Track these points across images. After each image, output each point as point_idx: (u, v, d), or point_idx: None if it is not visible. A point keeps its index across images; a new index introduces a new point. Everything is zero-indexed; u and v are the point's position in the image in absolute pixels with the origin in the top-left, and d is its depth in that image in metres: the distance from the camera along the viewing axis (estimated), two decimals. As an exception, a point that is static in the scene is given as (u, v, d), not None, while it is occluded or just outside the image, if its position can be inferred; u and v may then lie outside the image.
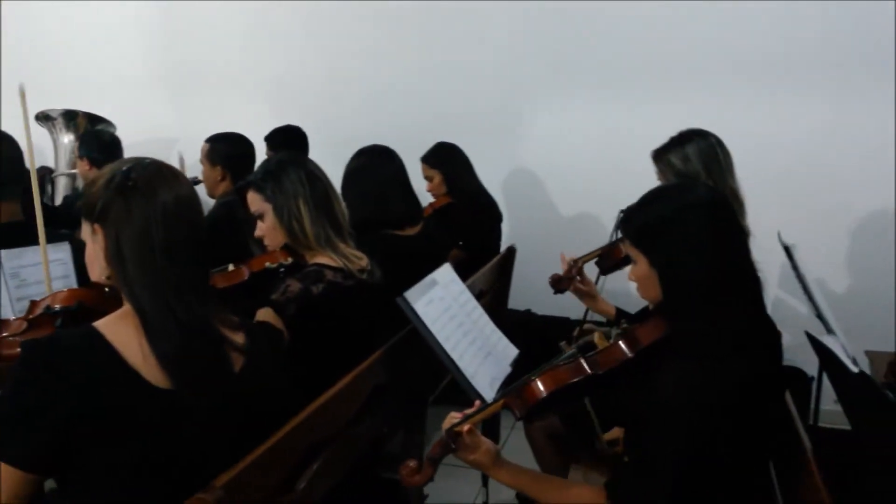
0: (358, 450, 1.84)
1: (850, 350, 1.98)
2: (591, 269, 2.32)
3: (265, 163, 2.01)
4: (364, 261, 1.95)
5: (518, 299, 3.66)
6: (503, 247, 3.22)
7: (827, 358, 1.31)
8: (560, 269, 2.29)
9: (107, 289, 1.27)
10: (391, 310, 1.81)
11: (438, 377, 2.36)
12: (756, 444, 1.33)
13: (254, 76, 4.03)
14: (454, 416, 1.44)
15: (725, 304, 1.33)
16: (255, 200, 1.91)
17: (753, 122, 3.18)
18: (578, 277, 2.21)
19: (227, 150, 2.90)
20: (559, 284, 2.25)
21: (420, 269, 1.96)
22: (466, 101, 3.69)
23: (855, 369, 1.14)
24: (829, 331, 1.83)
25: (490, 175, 3.45)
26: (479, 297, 2.66)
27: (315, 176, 1.90)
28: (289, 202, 1.84)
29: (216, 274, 1.92)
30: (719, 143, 2.29)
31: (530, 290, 3.70)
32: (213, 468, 1.17)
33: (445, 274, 2.08)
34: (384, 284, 1.98)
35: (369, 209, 2.42)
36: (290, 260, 1.89)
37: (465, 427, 1.38)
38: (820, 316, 1.89)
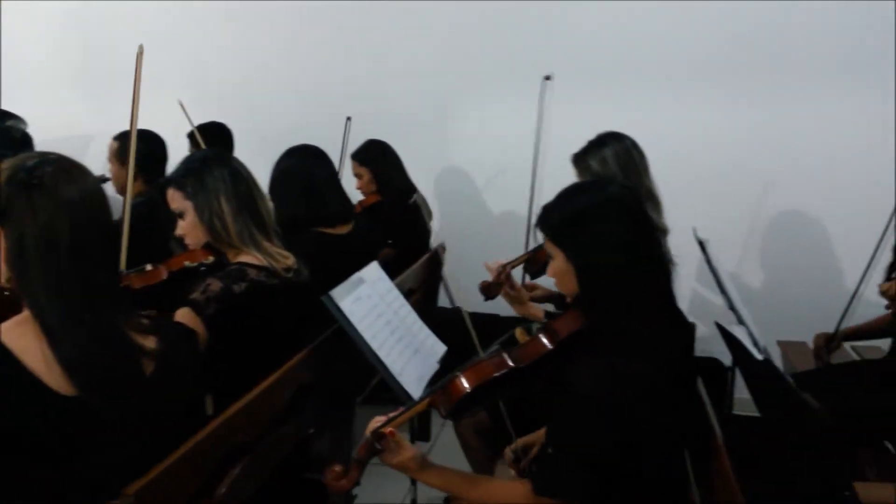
0: (283, 452, 1.81)
1: (762, 340, 2.07)
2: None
3: (186, 159, 1.95)
4: (290, 259, 1.92)
5: (446, 297, 3.68)
6: (433, 245, 3.23)
7: (735, 347, 1.37)
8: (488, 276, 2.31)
9: (7, 292, 1.20)
10: (320, 309, 1.79)
11: (367, 377, 2.34)
12: (672, 431, 1.37)
13: (175, 72, 3.90)
14: (379, 420, 1.43)
15: (639, 298, 1.37)
16: (175, 198, 1.85)
17: (674, 125, 3.28)
18: (508, 283, 2.23)
19: (137, 147, 2.79)
20: (489, 291, 2.27)
21: (352, 268, 1.94)
22: (397, 99, 3.67)
23: (759, 357, 1.19)
24: (741, 322, 1.91)
25: (421, 173, 3.45)
26: (408, 295, 2.66)
27: (238, 173, 1.85)
28: (210, 200, 1.79)
29: (132, 274, 1.86)
30: (634, 145, 2.36)
31: (462, 289, 3.75)
32: (125, 475, 1.13)
33: (373, 272, 2.06)
34: (312, 283, 1.95)
35: (301, 208, 2.40)
36: (211, 259, 1.84)
37: (390, 429, 1.37)
38: (732, 308, 1.97)
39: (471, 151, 3.70)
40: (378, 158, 3.17)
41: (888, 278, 2.15)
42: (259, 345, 1.77)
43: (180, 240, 1.89)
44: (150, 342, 1.23)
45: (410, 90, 3.67)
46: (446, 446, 2.73)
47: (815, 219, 3.29)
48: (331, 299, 1.78)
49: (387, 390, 1.83)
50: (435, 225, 3.46)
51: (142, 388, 1.20)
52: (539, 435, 1.87)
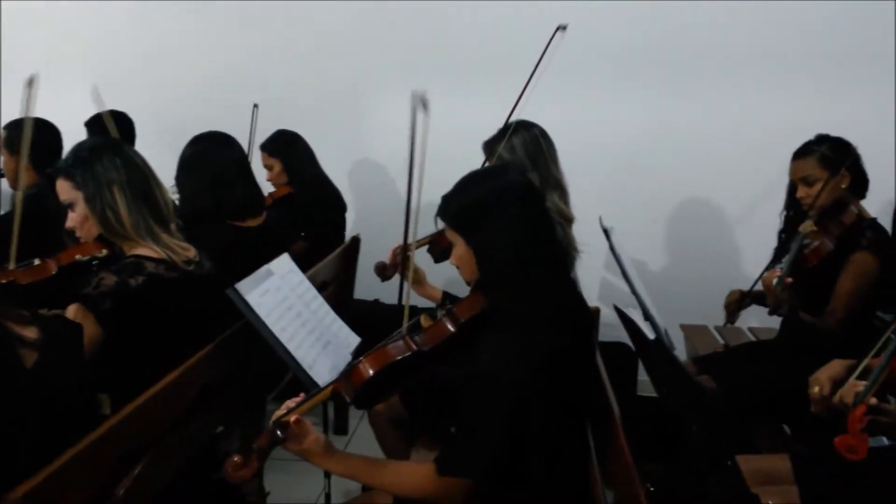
0: (189, 452, 1.75)
1: (664, 324, 2.16)
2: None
3: (76, 148, 1.84)
4: (191, 252, 1.86)
5: (366, 289, 3.65)
6: (348, 237, 3.19)
7: (630, 328, 1.42)
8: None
9: None
10: (226, 303, 1.74)
11: (279, 373, 2.30)
12: (571, 410, 1.41)
13: (75, 60, 3.70)
14: (287, 406, 1.41)
15: (536, 281, 1.40)
16: (64, 188, 1.76)
17: (584, 117, 3.35)
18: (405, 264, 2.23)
19: (27, 136, 2.63)
20: (384, 272, 2.26)
21: (262, 261, 1.90)
22: (307, 86, 3.60)
23: (651, 336, 1.24)
24: (643, 306, 1.99)
25: (335, 165, 3.40)
26: (322, 287, 2.62)
27: (132, 161, 1.77)
28: (102, 190, 1.71)
29: (19, 269, 1.75)
30: (543, 134, 2.41)
31: (378, 280, 3.72)
32: (13, 474, 1.07)
33: (283, 264, 2.02)
34: (220, 277, 1.89)
35: (207, 199, 2.31)
36: (104, 252, 1.75)
37: (293, 417, 1.35)
38: (634, 292, 2.04)
39: (386, 143, 3.67)
40: (289, 149, 3.11)
41: (773, 262, 2.27)
42: (158, 341, 1.70)
43: (72, 233, 1.80)
44: (30, 332, 1.18)
45: (322, 78, 3.60)
46: (364, 439, 2.71)
47: (719, 208, 3.44)
48: (236, 292, 1.74)
49: (301, 386, 1.80)
50: (350, 217, 3.41)
51: (23, 380, 1.14)
52: None
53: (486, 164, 2.38)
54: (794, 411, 2.18)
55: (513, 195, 1.43)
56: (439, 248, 2.30)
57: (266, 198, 3.06)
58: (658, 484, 2.43)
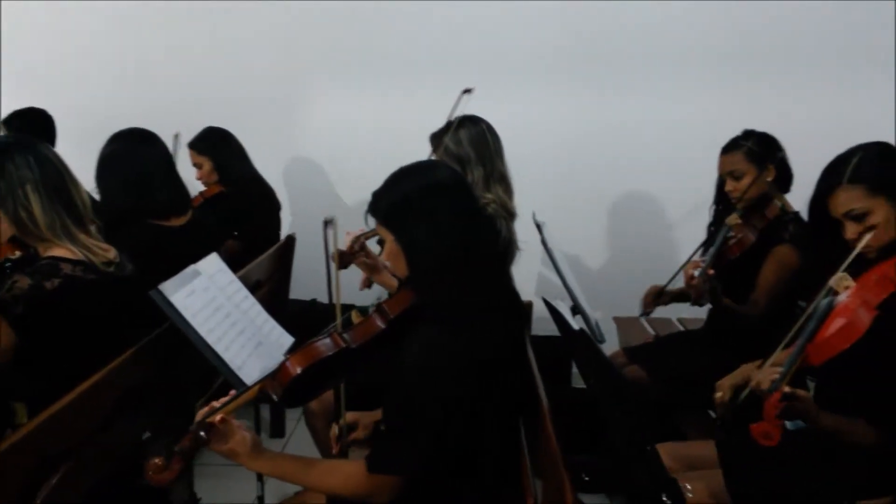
0: (113, 458, 1.70)
1: (594, 315, 2.20)
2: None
3: (-16, 146, 1.75)
4: (111, 253, 1.79)
5: (303, 289, 3.60)
6: (283, 236, 3.14)
7: (558, 319, 1.44)
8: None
9: None
10: (151, 306, 1.69)
11: (210, 377, 2.24)
12: (502, 403, 1.42)
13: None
14: (213, 405, 1.38)
15: (466, 277, 1.40)
16: (-27, 190, 1.66)
17: (527, 115, 3.37)
18: (362, 252, 2.19)
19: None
20: (343, 259, 2.23)
21: (188, 261, 1.85)
22: (240, 86, 3.52)
23: (576, 327, 1.26)
24: (573, 299, 2.03)
25: (268, 163, 3.34)
26: (255, 287, 2.58)
27: (47, 159, 1.69)
28: (14, 189, 1.63)
29: (-77, 274, 1.65)
30: (489, 129, 2.42)
31: (315, 280, 3.67)
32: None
33: (211, 264, 1.97)
34: (144, 278, 1.83)
35: (129, 198, 2.23)
36: (17, 253, 1.68)
37: (217, 417, 1.31)
38: (566, 285, 2.08)
39: (322, 141, 3.63)
40: (218, 147, 3.03)
41: (702, 254, 2.34)
42: (76, 346, 1.64)
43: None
44: None
45: (255, 75, 3.53)
46: (301, 441, 2.67)
47: (656, 204, 3.53)
48: (160, 294, 1.69)
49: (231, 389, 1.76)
50: (285, 216, 3.36)
51: None
52: (366, 414, 1.87)
53: (431, 157, 2.37)
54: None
55: (442, 191, 1.43)
56: None
57: (196, 197, 2.99)
58: (592, 473, 2.49)
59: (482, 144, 2.37)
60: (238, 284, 2.03)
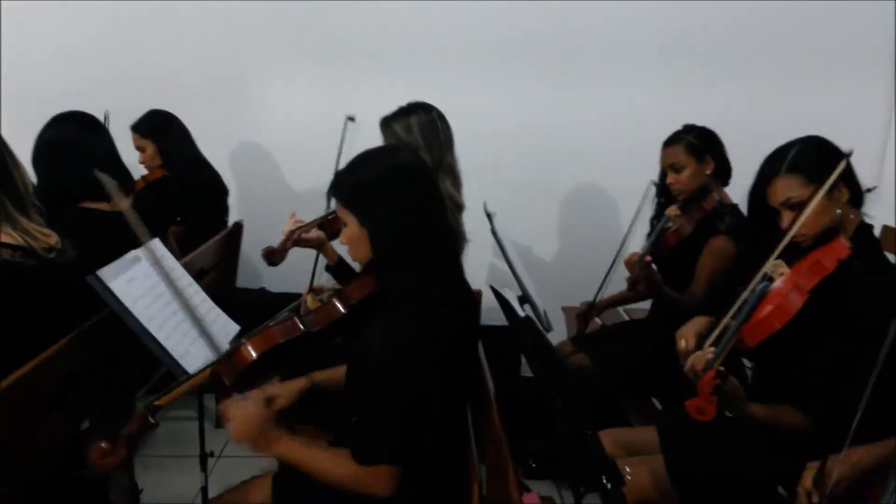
0: (50, 448, 1.65)
1: (542, 304, 2.22)
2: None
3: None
4: (53, 238, 1.74)
5: (252, 277, 3.55)
6: (230, 223, 3.08)
7: (505, 307, 1.46)
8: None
9: None
10: (91, 293, 1.64)
11: (152, 365, 2.19)
12: (455, 390, 1.43)
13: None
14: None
15: (427, 263, 1.41)
16: None
17: (478, 105, 3.35)
18: (295, 245, 2.17)
19: None
20: (272, 257, 2.20)
21: (128, 247, 1.79)
22: (188, 69, 3.43)
23: (522, 314, 1.27)
24: (522, 288, 2.04)
25: (215, 148, 3.27)
26: (200, 274, 2.53)
27: None
28: None
29: None
30: (441, 118, 2.41)
31: (264, 268, 3.61)
32: None
33: (153, 250, 1.92)
34: (82, 264, 1.77)
35: (68, 181, 2.15)
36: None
37: (163, 400, 1.29)
38: (515, 275, 2.10)
39: (271, 126, 3.56)
40: (162, 130, 2.95)
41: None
42: (15, 334, 1.57)
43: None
44: None
45: (202, 58, 3.44)
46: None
47: (605, 196, 3.58)
48: (98, 280, 1.65)
49: (175, 378, 1.72)
50: (233, 201, 3.29)
51: None
52: (286, 384, 1.74)
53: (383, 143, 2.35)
54: (663, 386, 2.32)
55: (407, 175, 1.42)
56: (330, 231, 2.26)
57: (138, 181, 2.91)
58: (539, 460, 2.53)
59: (433, 133, 2.36)
60: (181, 271, 1.98)
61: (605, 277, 2.51)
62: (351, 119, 3.01)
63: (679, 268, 2.29)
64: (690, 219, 2.31)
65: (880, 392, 1.13)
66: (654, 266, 2.19)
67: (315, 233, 2.21)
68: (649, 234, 2.49)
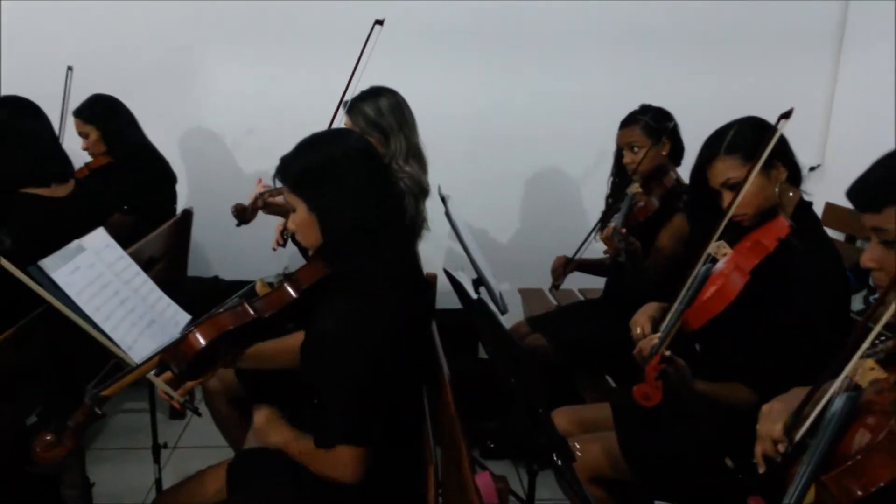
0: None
1: (497, 286, 2.24)
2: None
3: None
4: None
5: (205, 266, 3.49)
6: (180, 210, 3.01)
7: (458, 289, 1.46)
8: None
9: None
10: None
11: (100, 357, 2.14)
12: (410, 371, 1.43)
13: None
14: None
15: (379, 246, 1.40)
16: None
17: (439, 91, 3.35)
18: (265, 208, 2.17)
19: None
20: (242, 215, 2.15)
21: (72, 235, 1.74)
22: (132, 52, 3.33)
23: (475, 296, 1.28)
24: (478, 271, 2.05)
25: (163, 133, 3.19)
26: (149, 264, 2.47)
27: None
28: None
29: None
30: (405, 103, 2.38)
31: (217, 256, 3.56)
32: None
33: (97, 239, 1.87)
34: (21, 253, 1.71)
35: (7, 167, 2.08)
36: None
37: (109, 390, 1.26)
38: (470, 257, 2.10)
39: (222, 111, 3.48)
40: (106, 115, 2.86)
41: (603, 225, 2.42)
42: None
43: None
44: None
45: (148, 40, 3.34)
46: (202, 422, 2.60)
47: (560, 179, 3.61)
48: (40, 270, 1.59)
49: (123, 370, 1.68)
50: (182, 188, 3.22)
51: None
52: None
53: (345, 125, 2.31)
54: (616, 364, 2.36)
55: (356, 159, 1.40)
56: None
57: (81, 168, 2.82)
58: (496, 440, 2.56)
59: (402, 116, 2.34)
60: (128, 260, 1.93)
61: (582, 245, 2.53)
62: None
63: (647, 242, 2.32)
64: (655, 195, 2.35)
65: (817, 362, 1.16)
66: (631, 238, 2.21)
67: (282, 198, 2.18)
68: (605, 212, 2.52)
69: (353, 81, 2.47)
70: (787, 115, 1.47)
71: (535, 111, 3.49)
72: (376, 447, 1.39)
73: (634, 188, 2.37)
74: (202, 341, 1.32)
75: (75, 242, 1.75)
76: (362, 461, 1.35)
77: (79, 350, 1.91)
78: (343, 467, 1.35)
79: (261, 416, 1.50)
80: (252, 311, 1.37)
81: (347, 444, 1.34)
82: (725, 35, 3.43)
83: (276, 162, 1.46)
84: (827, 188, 3.01)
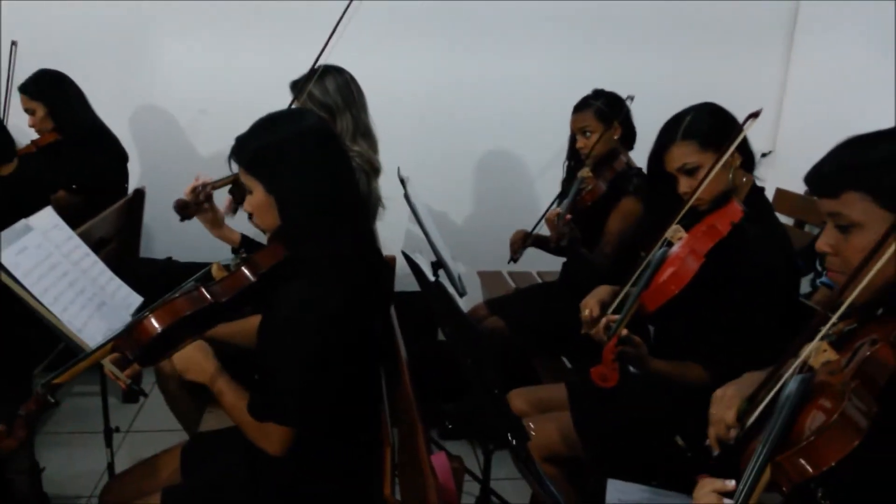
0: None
1: (456, 269, 2.24)
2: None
3: None
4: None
5: (160, 246, 3.41)
6: (131, 190, 2.94)
7: (416, 271, 1.46)
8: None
9: None
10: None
11: (49, 341, 2.08)
12: (366, 354, 1.43)
13: None
14: None
15: (337, 228, 1.38)
16: None
17: (396, 71, 3.34)
18: (206, 204, 2.06)
19: None
20: (185, 210, 2.10)
21: (15, 215, 1.69)
22: (81, 27, 3.21)
23: (432, 278, 1.28)
24: (436, 254, 2.05)
25: (114, 111, 3.10)
26: (99, 245, 2.41)
27: None
28: None
29: None
30: (353, 80, 2.35)
31: (171, 237, 3.48)
32: None
33: (45, 219, 1.81)
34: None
35: None
36: None
37: (61, 378, 1.23)
38: (429, 239, 2.10)
39: (173, 86, 3.39)
40: (53, 91, 2.76)
41: (559, 206, 2.44)
42: None
43: None
44: None
45: (98, 14, 3.23)
46: (156, 406, 2.56)
47: (518, 161, 3.63)
48: (-16, 251, 1.53)
49: (73, 354, 1.64)
50: (134, 167, 3.13)
51: None
52: None
53: (293, 105, 2.27)
54: (572, 345, 2.39)
55: (313, 139, 1.38)
56: (242, 190, 2.18)
57: (28, 146, 2.73)
58: (454, 421, 2.58)
59: (349, 95, 2.31)
60: (77, 241, 1.87)
61: (534, 227, 2.55)
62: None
63: (594, 226, 2.35)
64: (603, 179, 2.37)
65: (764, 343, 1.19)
66: (574, 227, 2.23)
67: (214, 212, 2.10)
68: (560, 195, 2.54)
69: (318, 61, 2.43)
70: (755, 115, 1.50)
71: (491, 93, 3.50)
72: (332, 429, 1.38)
73: (585, 172, 2.39)
74: (158, 327, 1.29)
75: (22, 222, 1.70)
76: (289, 439, 1.35)
77: (26, 334, 1.86)
78: (267, 440, 1.36)
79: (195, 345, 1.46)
80: (209, 296, 1.33)
81: (277, 423, 1.34)
82: (682, 22, 3.48)
83: (232, 142, 1.43)
84: (777, 174, 3.09)
